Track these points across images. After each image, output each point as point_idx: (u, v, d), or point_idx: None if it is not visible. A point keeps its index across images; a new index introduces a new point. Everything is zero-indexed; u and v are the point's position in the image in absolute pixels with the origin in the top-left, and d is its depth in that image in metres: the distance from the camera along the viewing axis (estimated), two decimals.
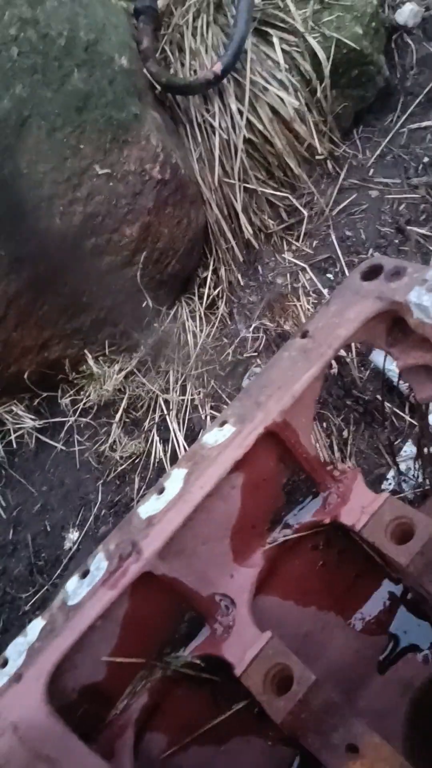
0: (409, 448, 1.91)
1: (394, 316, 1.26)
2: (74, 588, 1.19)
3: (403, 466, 1.85)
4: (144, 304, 2.15)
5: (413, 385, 1.37)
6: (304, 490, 1.35)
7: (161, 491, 1.23)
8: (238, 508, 1.28)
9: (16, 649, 1.15)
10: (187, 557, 1.24)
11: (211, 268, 2.30)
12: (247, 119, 2.15)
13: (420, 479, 1.76)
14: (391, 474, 1.90)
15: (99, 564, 1.19)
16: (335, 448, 1.98)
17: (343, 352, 2.03)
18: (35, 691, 1.10)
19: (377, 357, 2.01)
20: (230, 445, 1.21)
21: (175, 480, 1.22)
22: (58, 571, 2.14)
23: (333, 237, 2.25)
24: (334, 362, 2.02)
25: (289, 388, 1.23)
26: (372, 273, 1.30)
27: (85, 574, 1.20)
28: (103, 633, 1.19)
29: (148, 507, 1.21)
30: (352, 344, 1.95)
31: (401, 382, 1.90)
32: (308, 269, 2.22)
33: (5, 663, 1.15)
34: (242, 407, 1.24)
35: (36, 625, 1.17)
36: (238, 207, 2.22)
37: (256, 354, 2.18)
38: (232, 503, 1.27)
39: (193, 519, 1.20)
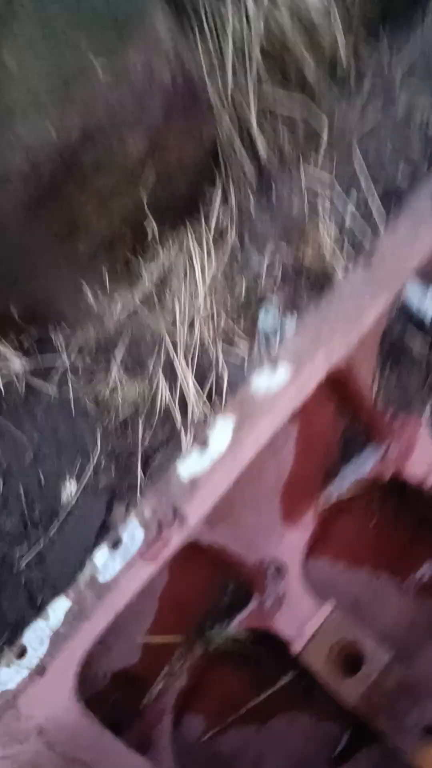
0: None
1: None
2: (105, 561, 1.01)
3: None
4: (148, 232, 1.91)
5: None
6: (361, 443, 1.17)
7: (204, 445, 1.04)
8: (290, 463, 1.10)
9: (37, 636, 0.98)
10: (234, 521, 1.06)
11: (219, 191, 2.06)
12: (265, 20, 1.89)
13: None
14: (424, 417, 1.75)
15: (133, 533, 1.01)
16: None
17: None
18: (64, 686, 0.93)
19: (410, 293, 1.82)
20: (287, 392, 1.02)
21: (221, 432, 1.03)
22: (55, 525, 1.96)
23: (355, 159, 2.03)
24: None
25: (354, 325, 1.04)
26: None
27: (116, 544, 1.02)
28: (139, 611, 1.02)
29: (190, 466, 1.02)
30: None
31: None
32: (328, 193, 2.00)
33: (23, 652, 0.98)
34: (299, 345, 1.05)
35: (60, 606, 0.99)
36: (252, 122, 1.98)
37: (272, 288, 1.97)
38: (284, 459, 1.09)
39: (243, 479, 1.02)
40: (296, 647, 1.03)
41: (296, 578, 1.10)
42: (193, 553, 1.01)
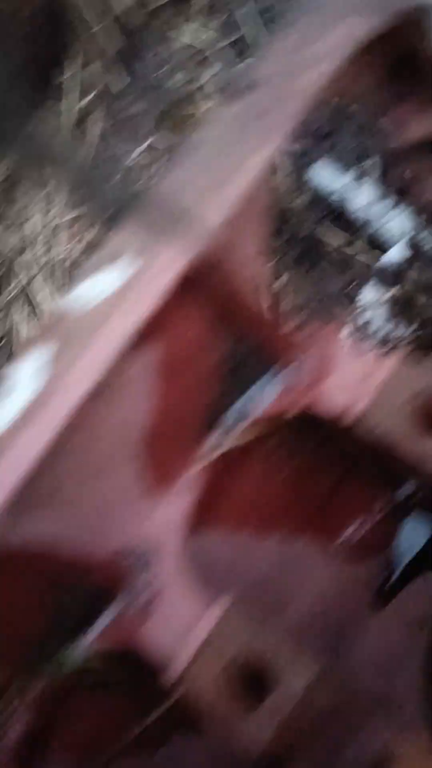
0: (369, 293, 1.42)
1: (403, 43, 0.71)
2: None
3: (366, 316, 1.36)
4: None
5: (416, 179, 0.85)
6: (255, 367, 0.83)
7: (7, 392, 0.68)
8: (150, 406, 0.75)
9: None
10: (67, 501, 0.71)
11: (79, 64, 1.63)
12: None
13: (391, 331, 1.28)
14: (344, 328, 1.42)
15: None
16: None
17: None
18: None
19: (319, 173, 1.46)
20: (129, 297, 0.66)
21: (32, 371, 0.67)
22: None
23: (246, 6, 1.62)
24: None
25: (229, 183, 0.68)
26: None
27: None
28: None
29: None
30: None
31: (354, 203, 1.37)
32: (213, 57, 1.60)
33: None
34: (145, 226, 0.68)
35: None
36: None
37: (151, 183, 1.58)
38: (138, 400, 0.73)
39: (73, 435, 0.67)
40: (172, 672, 0.70)
41: (172, 566, 0.76)
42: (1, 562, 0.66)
